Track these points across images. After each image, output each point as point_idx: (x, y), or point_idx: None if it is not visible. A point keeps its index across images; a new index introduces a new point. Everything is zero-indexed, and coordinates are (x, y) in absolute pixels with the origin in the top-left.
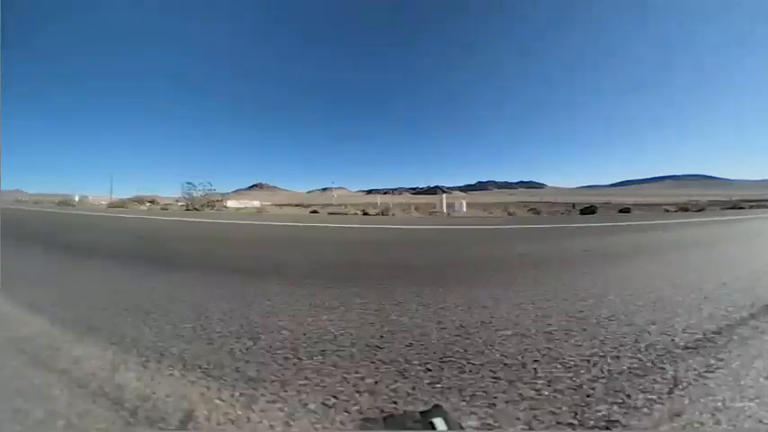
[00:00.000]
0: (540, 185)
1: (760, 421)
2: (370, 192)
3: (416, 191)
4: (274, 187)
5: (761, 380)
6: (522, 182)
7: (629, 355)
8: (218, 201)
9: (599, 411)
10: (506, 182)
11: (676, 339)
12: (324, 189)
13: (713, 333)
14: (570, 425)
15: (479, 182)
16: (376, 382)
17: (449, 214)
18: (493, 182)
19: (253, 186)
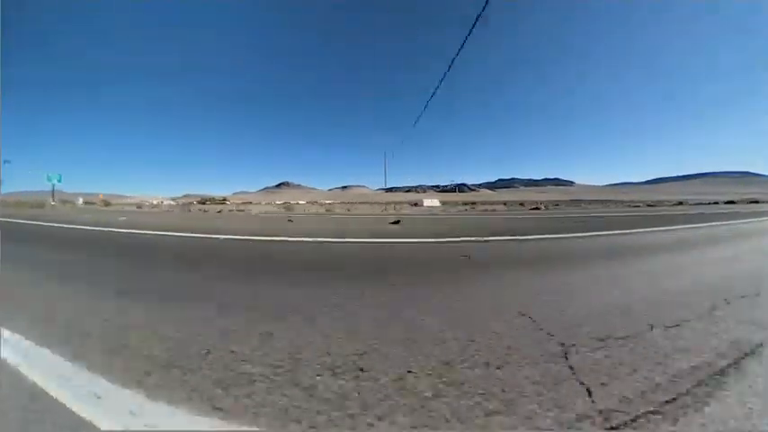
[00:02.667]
0: (569, 183)
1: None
2: (390, 190)
3: (442, 189)
4: (299, 186)
5: None
6: (547, 179)
7: None
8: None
9: None
10: (532, 179)
11: None
12: (344, 187)
13: None
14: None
15: (500, 179)
16: None
17: None
18: (517, 179)
19: (280, 185)
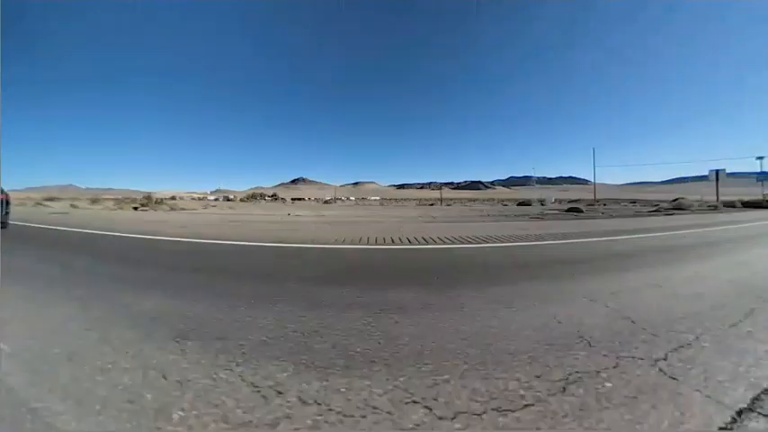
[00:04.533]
0: (585, 181)
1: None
2: (401, 186)
3: (456, 186)
4: (313, 182)
5: None
6: (561, 177)
7: None
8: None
9: None
10: (546, 177)
11: None
12: (355, 183)
13: None
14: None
15: (512, 176)
16: None
17: None
18: (531, 177)
19: (296, 180)
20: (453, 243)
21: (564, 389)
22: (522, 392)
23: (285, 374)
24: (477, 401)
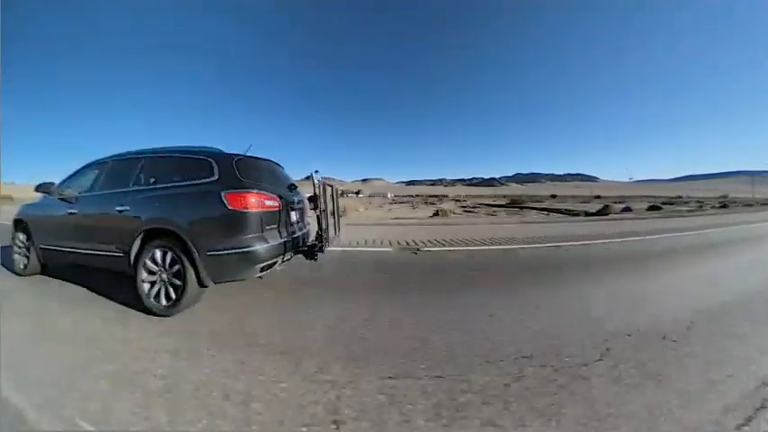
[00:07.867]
0: (593, 178)
1: None
2: (410, 183)
3: (468, 182)
4: (330, 178)
5: None
6: (569, 174)
7: None
8: None
9: None
10: (554, 174)
11: None
12: (364, 180)
13: None
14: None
15: (518, 173)
16: None
17: None
18: (538, 174)
19: (309, 177)
20: None
21: None
22: None
23: None
24: None
